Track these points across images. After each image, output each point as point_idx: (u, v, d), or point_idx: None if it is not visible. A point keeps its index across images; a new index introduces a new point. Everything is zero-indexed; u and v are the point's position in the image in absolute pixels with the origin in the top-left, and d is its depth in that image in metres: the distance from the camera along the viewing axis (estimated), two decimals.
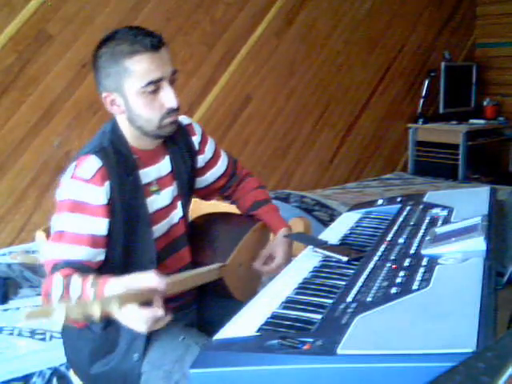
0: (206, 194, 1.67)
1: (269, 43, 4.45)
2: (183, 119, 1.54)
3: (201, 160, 1.57)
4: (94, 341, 1.37)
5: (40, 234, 1.49)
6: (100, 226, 1.30)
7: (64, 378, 2.06)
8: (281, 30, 4.52)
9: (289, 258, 1.56)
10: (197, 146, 1.55)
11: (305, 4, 4.63)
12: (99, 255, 1.31)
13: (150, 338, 1.35)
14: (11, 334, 2.39)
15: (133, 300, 1.11)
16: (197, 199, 1.72)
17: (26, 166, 3.40)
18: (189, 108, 4.03)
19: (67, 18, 3.45)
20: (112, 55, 1.30)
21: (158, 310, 1.12)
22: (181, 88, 3.95)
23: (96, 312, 1.03)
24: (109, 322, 1.28)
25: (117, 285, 1.14)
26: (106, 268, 1.31)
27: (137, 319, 1.12)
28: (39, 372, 2.10)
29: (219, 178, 1.63)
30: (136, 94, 1.31)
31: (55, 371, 2.10)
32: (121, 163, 1.34)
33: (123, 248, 1.35)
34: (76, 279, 1.18)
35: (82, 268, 1.25)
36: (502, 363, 0.64)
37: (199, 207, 1.75)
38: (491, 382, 0.62)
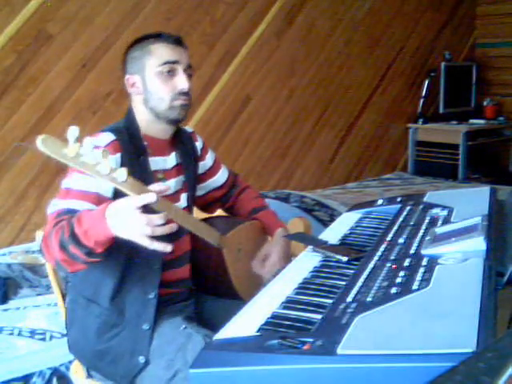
0: (206, 202, 1.72)
1: (269, 43, 4.45)
2: (187, 128, 1.65)
3: (202, 166, 1.66)
4: (101, 315, 1.40)
5: (40, 234, 1.49)
6: (106, 187, 1.34)
7: (64, 378, 2.06)
8: (281, 30, 4.52)
9: (286, 257, 1.59)
10: (199, 152, 1.65)
11: (305, 4, 4.63)
12: None
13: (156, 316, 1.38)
14: (11, 334, 2.39)
15: (133, 190, 1.16)
16: (197, 210, 1.74)
17: (26, 166, 3.40)
18: None
19: (67, 18, 3.45)
20: (140, 45, 1.49)
21: (157, 217, 1.14)
22: None
23: (103, 169, 1.12)
24: (115, 295, 1.36)
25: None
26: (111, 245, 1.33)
27: (134, 223, 1.14)
28: (39, 372, 2.10)
29: (219, 187, 1.71)
30: (154, 74, 1.45)
31: (55, 371, 2.10)
32: (133, 145, 1.44)
33: None
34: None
35: None
36: (502, 363, 0.64)
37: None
38: (491, 382, 0.62)
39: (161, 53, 1.46)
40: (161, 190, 1.19)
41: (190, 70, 1.50)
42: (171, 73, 1.46)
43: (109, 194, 1.35)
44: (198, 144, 1.66)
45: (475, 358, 0.69)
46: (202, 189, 1.68)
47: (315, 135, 4.93)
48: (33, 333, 2.39)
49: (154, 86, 1.46)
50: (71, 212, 1.28)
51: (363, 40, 5.10)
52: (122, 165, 1.36)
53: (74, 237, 1.21)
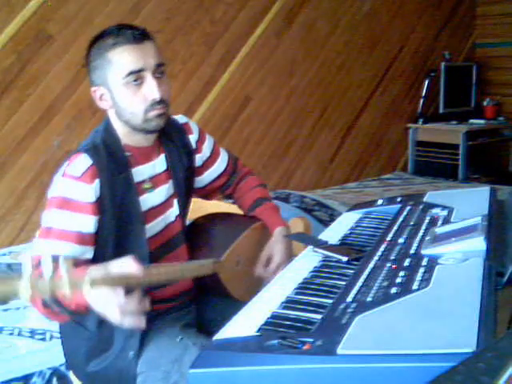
0: (207, 193, 1.66)
1: (269, 43, 4.45)
2: (179, 118, 1.54)
3: (199, 159, 1.56)
4: (90, 340, 1.37)
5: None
6: (88, 223, 1.30)
7: (64, 378, 2.06)
8: (281, 30, 4.52)
9: (288, 256, 1.54)
10: (194, 145, 1.54)
11: (305, 4, 4.63)
12: (86, 253, 1.31)
13: (148, 337, 1.35)
14: (11, 334, 2.39)
15: (108, 284, 1.09)
16: (198, 199, 1.71)
17: (26, 166, 3.40)
18: (189, 108, 4.03)
19: (67, 18, 3.45)
20: (98, 49, 1.33)
21: (132, 300, 1.10)
22: (181, 88, 3.95)
23: (65, 289, 0.99)
24: (103, 320, 1.27)
25: (94, 269, 1.12)
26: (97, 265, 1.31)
27: (108, 302, 1.10)
28: (39, 372, 2.10)
29: (219, 176, 1.63)
30: (119, 86, 1.32)
31: (55, 371, 2.10)
32: (112, 161, 1.34)
33: (115, 246, 1.34)
34: (49, 260, 1.15)
35: None
36: (501, 363, 0.64)
37: (200, 207, 1.74)
38: (491, 382, 0.62)
39: (121, 61, 1.30)
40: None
41: (161, 68, 1.34)
42: (139, 80, 1.31)
43: (91, 229, 1.30)
44: (193, 136, 1.54)
45: (475, 358, 0.69)
46: (200, 181, 1.60)
47: (315, 135, 4.92)
48: (33, 333, 2.39)
49: (122, 100, 1.33)
50: (54, 260, 1.25)
51: (363, 40, 5.09)
52: (102, 190, 1.31)
53: (55, 300, 1.15)
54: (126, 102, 1.33)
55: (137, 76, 1.31)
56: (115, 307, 1.10)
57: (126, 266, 1.12)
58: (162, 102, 1.34)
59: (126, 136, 1.39)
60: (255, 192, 1.65)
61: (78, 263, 1.26)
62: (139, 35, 1.31)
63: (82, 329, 1.37)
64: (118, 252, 1.34)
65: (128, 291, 1.12)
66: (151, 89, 1.32)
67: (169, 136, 1.47)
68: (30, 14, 3.31)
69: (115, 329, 1.32)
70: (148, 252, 1.38)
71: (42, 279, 0.99)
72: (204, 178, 1.61)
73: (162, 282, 1.32)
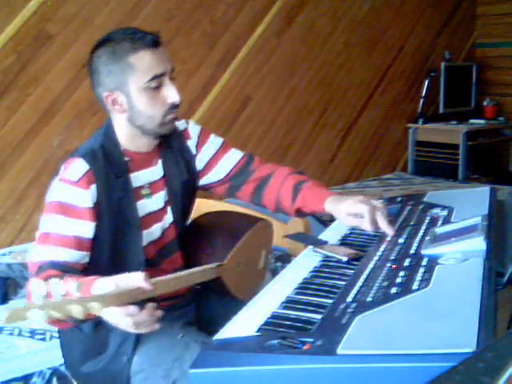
0: (222, 191, 1.57)
1: (269, 43, 4.45)
2: (180, 124, 1.52)
3: (199, 160, 1.53)
4: (85, 341, 1.38)
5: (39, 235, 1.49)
6: (85, 228, 1.29)
7: (64, 378, 2.06)
8: (281, 30, 4.52)
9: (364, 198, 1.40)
10: (193, 150, 1.53)
11: (305, 4, 4.63)
12: (84, 257, 1.31)
13: (149, 336, 1.35)
14: (11, 334, 2.39)
15: (118, 300, 1.08)
16: (201, 200, 1.69)
17: (26, 166, 3.40)
18: (189, 108, 4.03)
19: (67, 18, 3.45)
20: (114, 53, 1.31)
21: (144, 314, 1.09)
22: (181, 88, 3.92)
23: (77, 313, 1.00)
24: (99, 323, 1.28)
25: (103, 284, 1.12)
26: (93, 270, 1.29)
27: (120, 322, 1.10)
28: (39, 372, 2.10)
29: (230, 171, 1.55)
30: (139, 91, 1.32)
31: (55, 371, 2.10)
32: (110, 166, 1.34)
33: (111, 250, 1.34)
34: (58, 282, 1.15)
35: (66, 269, 1.24)
36: (501, 363, 0.64)
37: (200, 208, 1.73)
38: (491, 382, 0.62)
39: (145, 66, 1.30)
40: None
41: (173, 74, 1.36)
42: (158, 86, 1.33)
43: (89, 234, 1.30)
44: (191, 142, 1.52)
45: (475, 358, 0.69)
46: (206, 180, 1.55)
47: (315, 135, 4.93)
48: (33, 333, 2.39)
49: (141, 104, 1.33)
50: (54, 265, 1.24)
51: (363, 40, 5.09)
52: (99, 195, 1.30)
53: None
54: (144, 106, 1.33)
55: (158, 81, 1.32)
56: (129, 322, 1.10)
57: (135, 279, 1.11)
58: (177, 105, 1.36)
59: (128, 141, 1.38)
60: (289, 181, 1.52)
61: (79, 272, 1.27)
62: (156, 39, 1.33)
63: (77, 331, 1.37)
64: (114, 256, 1.35)
65: (139, 303, 1.12)
66: (172, 93, 1.34)
67: (168, 143, 1.47)
68: (29, 14, 3.30)
69: (110, 332, 1.32)
70: (144, 258, 1.38)
71: (54, 304, 1.00)
72: (212, 175, 1.55)
73: (170, 292, 1.31)
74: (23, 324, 2.45)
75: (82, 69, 3.47)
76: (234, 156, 1.56)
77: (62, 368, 2.10)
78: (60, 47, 3.44)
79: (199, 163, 1.54)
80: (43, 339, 2.35)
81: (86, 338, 1.37)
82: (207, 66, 4.14)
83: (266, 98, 4.51)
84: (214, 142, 1.56)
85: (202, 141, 1.54)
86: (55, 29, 3.41)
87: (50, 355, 2.18)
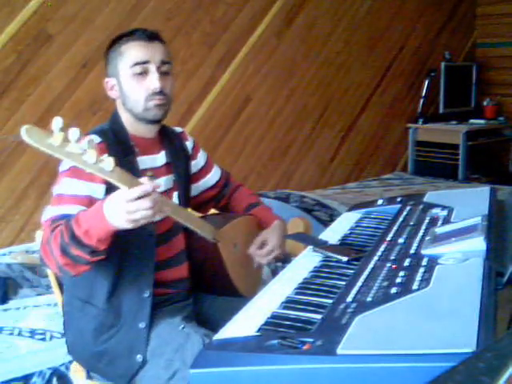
0: (199, 202, 1.71)
1: (269, 43, 4.45)
2: (176, 128, 1.65)
3: (194, 165, 1.65)
4: (98, 316, 1.41)
5: (40, 234, 1.49)
6: (97, 189, 1.35)
7: (64, 378, 2.06)
8: (281, 30, 4.51)
9: (283, 246, 1.62)
10: (190, 151, 1.64)
11: (305, 4, 4.62)
12: None
13: (150, 327, 1.38)
14: (11, 334, 2.39)
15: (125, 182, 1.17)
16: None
17: (26, 166, 3.40)
18: (189, 108, 4.03)
19: (67, 18, 3.45)
20: (114, 45, 1.48)
21: (143, 201, 1.15)
22: (181, 88, 3.95)
23: (90, 158, 1.11)
24: (112, 294, 1.36)
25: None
26: None
27: (121, 209, 1.15)
28: (39, 372, 2.10)
29: (212, 187, 1.71)
30: (127, 76, 1.44)
31: (55, 371, 2.10)
32: (119, 145, 1.44)
33: None
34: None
35: None
36: (501, 363, 0.64)
37: None
38: (491, 382, 0.62)
39: (131, 53, 1.43)
40: (152, 185, 1.19)
41: (166, 67, 1.46)
42: (144, 73, 1.43)
43: (101, 195, 1.34)
44: (189, 143, 1.65)
45: (475, 358, 0.69)
46: (195, 189, 1.67)
47: (315, 135, 4.92)
48: (33, 333, 2.39)
49: (128, 89, 1.45)
50: (66, 217, 1.28)
51: (363, 40, 5.09)
52: None
53: (74, 239, 1.21)
54: (130, 91, 1.44)
55: (142, 68, 1.43)
56: (131, 207, 1.15)
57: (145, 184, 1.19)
58: (161, 93, 1.44)
59: (130, 126, 1.48)
60: (250, 198, 1.76)
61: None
62: (150, 34, 1.45)
63: (89, 307, 1.42)
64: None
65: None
66: (153, 80, 1.43)
67: (169, 140, 1.58)
68: (29, 14, 3.30)
69: (123, 302, 1.38)
70: (154, 227, 1.41)
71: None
72: (198, 186, 1.68)
73: (166, 214, 1.32)
74: (23, 324, 2.46)
75: (82, 69, 3.48)
76: (215, 173, 1.71)
77: (62, 368, 2.10)
78: (60, 47, 3.43)
79: (193, 167, 1.65)
80: (43, 339, 2.35)
81: (99, 312, 1.40)
82: (207, 65, 4.14)
83: (265, 98, 4.51)
84: (204, 153, 1.70)
85: (196, 146, 1.68)
86: (55, 29, 3.41)
87: (50, 355, 2.18)
